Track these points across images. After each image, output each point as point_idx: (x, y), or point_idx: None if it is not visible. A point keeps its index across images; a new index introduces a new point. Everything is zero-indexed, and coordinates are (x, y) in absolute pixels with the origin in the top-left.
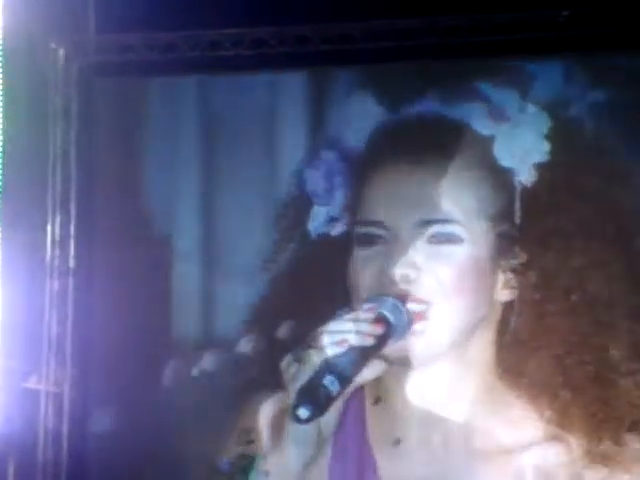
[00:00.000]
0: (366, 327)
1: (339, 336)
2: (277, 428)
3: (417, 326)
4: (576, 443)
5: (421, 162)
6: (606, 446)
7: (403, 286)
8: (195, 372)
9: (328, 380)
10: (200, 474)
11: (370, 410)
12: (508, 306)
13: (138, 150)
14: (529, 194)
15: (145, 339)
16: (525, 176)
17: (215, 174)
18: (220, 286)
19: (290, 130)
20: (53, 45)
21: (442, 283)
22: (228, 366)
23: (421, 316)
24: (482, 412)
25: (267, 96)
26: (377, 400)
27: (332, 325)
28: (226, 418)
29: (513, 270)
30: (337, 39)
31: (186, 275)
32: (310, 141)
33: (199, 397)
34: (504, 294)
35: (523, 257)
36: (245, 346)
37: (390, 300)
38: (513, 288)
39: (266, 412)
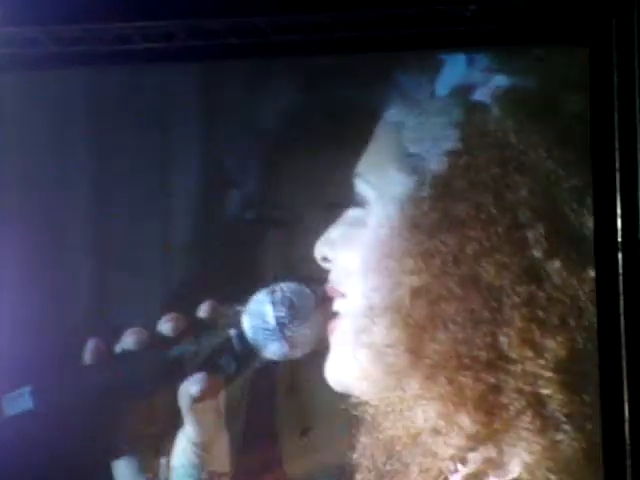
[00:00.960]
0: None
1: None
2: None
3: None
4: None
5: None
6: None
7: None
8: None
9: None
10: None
11: (281, 399)
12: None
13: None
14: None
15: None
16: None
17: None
18: (116, 276)
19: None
20: None
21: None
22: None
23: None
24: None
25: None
26: (289, 390)
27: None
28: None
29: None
30: (244, 33)
31: (79, 265)
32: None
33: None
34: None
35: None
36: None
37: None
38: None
39: (184, 393)
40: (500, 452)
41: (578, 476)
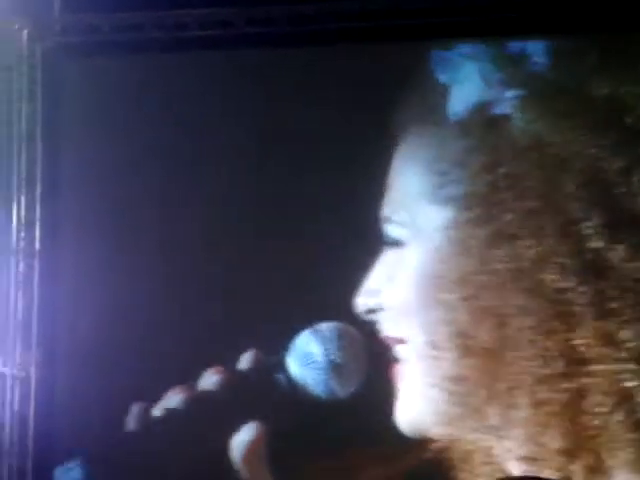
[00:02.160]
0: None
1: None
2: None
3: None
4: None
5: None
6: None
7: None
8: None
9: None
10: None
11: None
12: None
13: (107, 130)
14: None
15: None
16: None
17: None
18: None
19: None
20: (17, 26)
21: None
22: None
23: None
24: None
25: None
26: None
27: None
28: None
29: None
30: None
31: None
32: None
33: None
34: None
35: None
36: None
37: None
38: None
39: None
40: (598, 458)
41: None
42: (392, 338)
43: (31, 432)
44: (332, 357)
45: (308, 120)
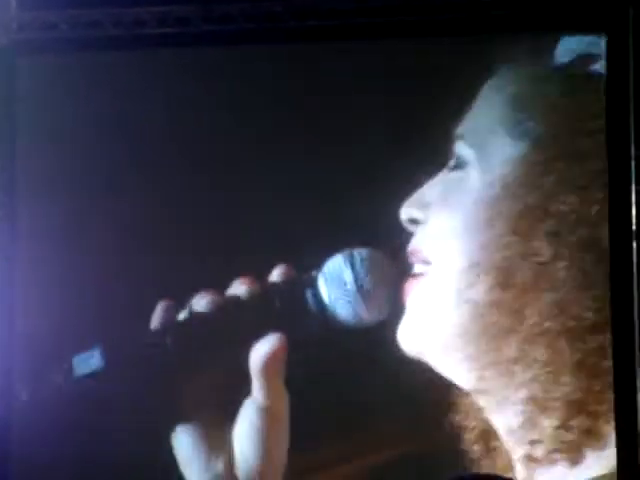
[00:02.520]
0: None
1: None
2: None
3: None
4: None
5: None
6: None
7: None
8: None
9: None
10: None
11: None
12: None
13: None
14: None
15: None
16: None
17: None
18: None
19: None
20: None
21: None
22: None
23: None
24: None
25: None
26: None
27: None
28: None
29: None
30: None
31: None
32: None
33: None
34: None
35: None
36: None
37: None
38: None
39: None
40: (595, 421)
41: None
42: (419, 256)
43: None
44: (362, 283)
45: None
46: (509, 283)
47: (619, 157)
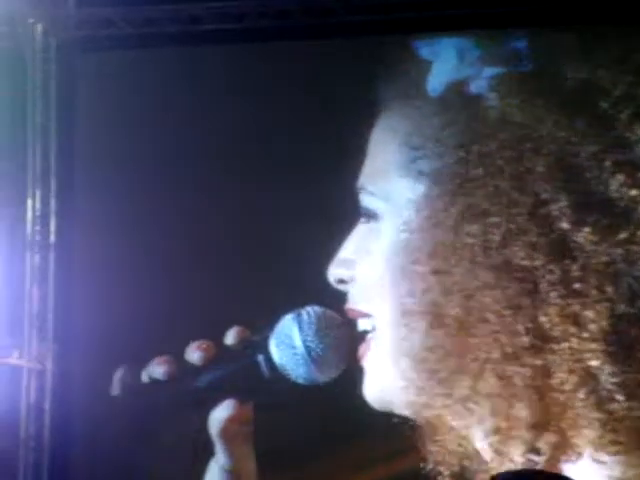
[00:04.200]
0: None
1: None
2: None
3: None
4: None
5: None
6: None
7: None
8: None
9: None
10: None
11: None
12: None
13: (122, 124)
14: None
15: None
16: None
17: None
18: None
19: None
20: (31, 20)
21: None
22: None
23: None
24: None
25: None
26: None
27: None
28: None
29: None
30: (317, 13)
31: None
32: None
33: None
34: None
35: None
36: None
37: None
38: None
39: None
40: (563, 435)
41: None
42: (357, 311)
43: (47, 425)
44: (310, 345)
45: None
46: (441, 324)
47: None
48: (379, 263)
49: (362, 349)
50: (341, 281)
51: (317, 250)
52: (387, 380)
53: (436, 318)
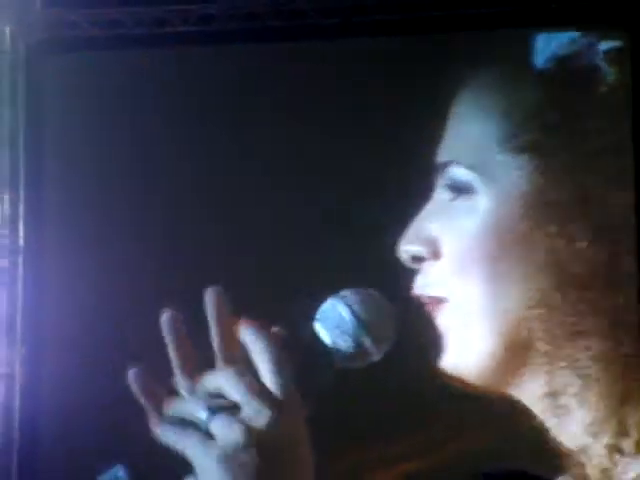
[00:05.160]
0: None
1: None
2: None
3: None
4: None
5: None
6: None
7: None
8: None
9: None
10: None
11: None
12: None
13: (90, 127)
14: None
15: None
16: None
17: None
18: None
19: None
20: None
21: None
22: None
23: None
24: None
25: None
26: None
27: None
28: None
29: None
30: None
31: None
32: None
33: None
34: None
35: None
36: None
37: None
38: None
39: None
40: None
41: None
42: (432, 297)
43: (16, 429)
44: (361, 317)
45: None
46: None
47: None
48: (469, 238)
49: (438, 318)
50: (417, 258)
51: (386, 227)
52: (468, 347)
53: (529, 298)
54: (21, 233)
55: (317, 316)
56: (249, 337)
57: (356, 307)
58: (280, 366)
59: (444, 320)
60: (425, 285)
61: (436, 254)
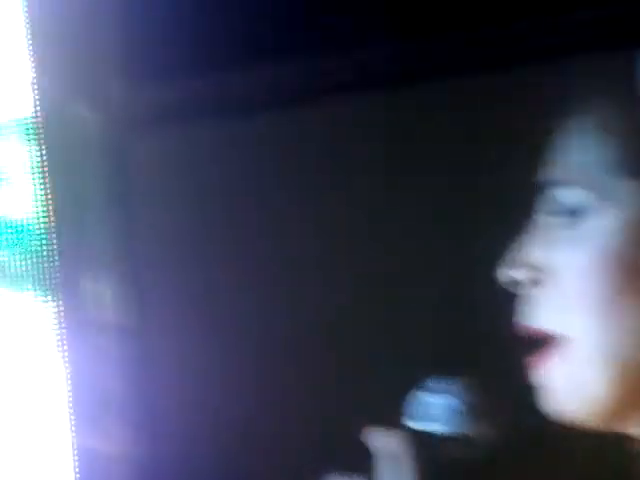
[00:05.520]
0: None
1: None
2: None
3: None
4: None
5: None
6: None
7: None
8: None
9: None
10: None
11: None
12: None
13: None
14: None
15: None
16: None
17: None
18: None
19: None
20: (82, 112)
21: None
22: None
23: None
24: None
25: None
26: None
27: None
28: None
29: None
30: None
31: None
32: None
33: None
34: None
35: None
36: None
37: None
38: None
39: None
40: None
41: None
42: (538, 330)
43: None
44: (454, 405)
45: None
46: None
47: None
48: (581, 269)
49: (540, 361)
50: (516, 284)
51: (486, 251)
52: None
53: None
54: (131, 312)
55: (408, 413)
56: None
57: (449, 396)
58: None
59: (554, 359)
60: (531, 317)
61: (544, 282)
